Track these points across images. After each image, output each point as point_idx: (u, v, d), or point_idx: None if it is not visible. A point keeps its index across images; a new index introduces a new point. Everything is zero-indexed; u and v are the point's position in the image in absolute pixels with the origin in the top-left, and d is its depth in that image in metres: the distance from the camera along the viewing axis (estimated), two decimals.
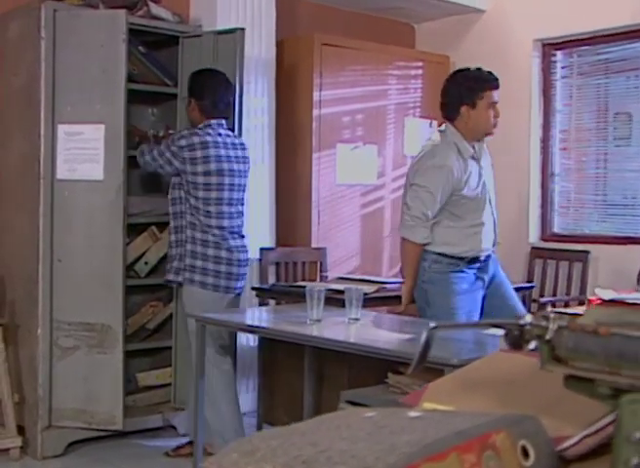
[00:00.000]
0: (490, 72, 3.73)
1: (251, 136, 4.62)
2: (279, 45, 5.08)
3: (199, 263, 3.92)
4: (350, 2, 5.78)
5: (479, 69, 3.75)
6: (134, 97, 4.30)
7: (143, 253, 4.54)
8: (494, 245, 3.84)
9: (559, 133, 5.76)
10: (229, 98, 4.12)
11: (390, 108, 5.70)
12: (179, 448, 4.13)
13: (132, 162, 4.19)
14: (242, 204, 4.08)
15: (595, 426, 0.86)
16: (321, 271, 5.16)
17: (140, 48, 4.54)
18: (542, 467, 0.81)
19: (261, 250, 4.85)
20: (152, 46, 4.68)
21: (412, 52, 6.11)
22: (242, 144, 4.12)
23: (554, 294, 5.47)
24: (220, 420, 3.90)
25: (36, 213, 4.01)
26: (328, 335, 3.19)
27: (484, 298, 3.79)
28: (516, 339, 0.91)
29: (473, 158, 3.73)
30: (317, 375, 3.97)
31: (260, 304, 4.59)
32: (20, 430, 4.06)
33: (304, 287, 3.53)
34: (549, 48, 5.74)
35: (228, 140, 4.02)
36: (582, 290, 5.36)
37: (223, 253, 3.94)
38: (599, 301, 2.39)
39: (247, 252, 4.07)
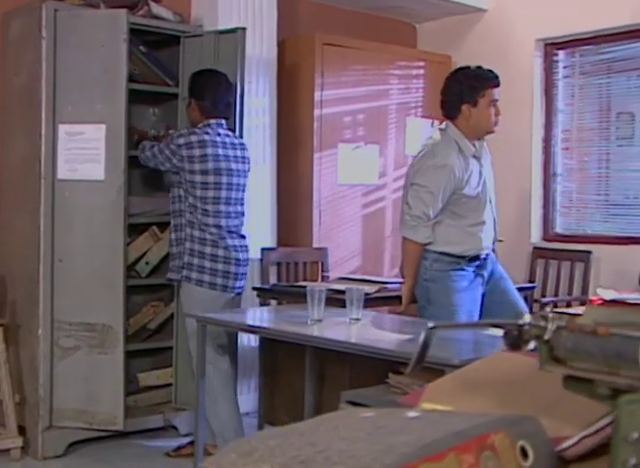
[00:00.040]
0: (490, 70, 3.73)
1: (252, 136, 4.62)
2: (280, 45, 5.08)
3: (196, 261, 3.93)
4: (352, 1, 5.78)
5: (480, 67, 3.76)
6: (135, 97, 4.30)
7: (144, 253, 4.54)
8: (494, 243, 3.84)
9: (561, 132, 5.76)
10: (229, 99, 4.12)
11: (392, 108, 5.69)
12: (179, 448, 4.14)
13: (133, 162, 4.19)
14: (242, 204, 4.07)
15: (594, 426, 0.85)
16: (322, 271, 5.15)
17: (141, 47, 4.54)
18: (541, 467, 0.81)
19: (263, 250, 4.85)
20: (153, 46, 4.67)
21: (413, 51, 6.10)
22: (242, 144, 4.12)
23: (556, 295, 5.46)
24: (219, 420, 3.90)
25: (37, 213, 4.01)
26: (329, 336, 3.18)
27: (484, 295, 3.79)
28: (515, 339, 0.91)
29: (474, 157, 3.73)
30: (318, 376, 3.97)
31: (262, 304, 4.59)
32: (21, 430, 4.06)
33: (305, 287, 3.52)
34: (551, 47, 5.73)
35: (227, 140, 4.02)
36: (584, 290, 5.36)
37: (221, 252, 3.94)
38: (599, 301, 2.38)
39: (247, 251, 4.07)
